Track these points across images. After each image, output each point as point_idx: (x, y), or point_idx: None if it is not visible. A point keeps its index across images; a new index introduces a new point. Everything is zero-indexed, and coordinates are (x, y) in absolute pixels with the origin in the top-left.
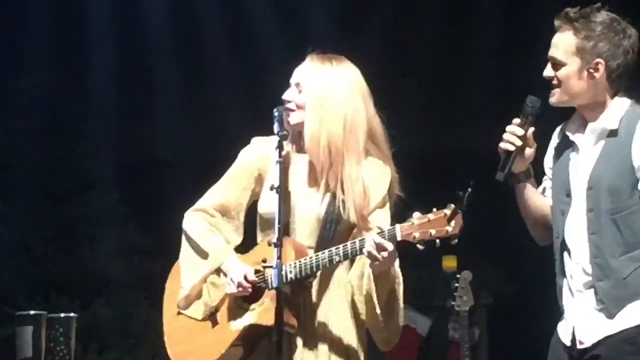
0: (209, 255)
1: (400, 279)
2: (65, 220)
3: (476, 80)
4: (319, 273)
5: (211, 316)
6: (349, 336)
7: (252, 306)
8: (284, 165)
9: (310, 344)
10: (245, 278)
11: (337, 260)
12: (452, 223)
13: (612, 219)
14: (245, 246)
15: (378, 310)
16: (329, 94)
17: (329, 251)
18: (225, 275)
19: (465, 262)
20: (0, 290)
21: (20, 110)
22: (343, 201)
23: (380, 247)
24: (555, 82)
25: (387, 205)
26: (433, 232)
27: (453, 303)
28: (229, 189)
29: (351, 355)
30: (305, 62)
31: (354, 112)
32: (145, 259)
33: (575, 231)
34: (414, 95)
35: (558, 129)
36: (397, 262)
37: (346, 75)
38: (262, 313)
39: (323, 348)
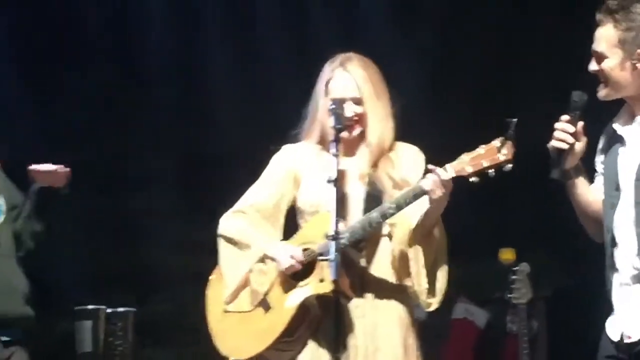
0: (252, 245)
1: (445, 238)
2: (124, 215)
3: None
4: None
5: (262, 303)
6: (396, 297)
7: (305, 282)
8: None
9: (362, 309)
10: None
11: (390, 212)
12: (504, 150)
13: None
14: None
15: (422, 263)
16: (382, 96)
17: (380, 207)
18: (272, 259)
19: (523, 254)
20: (59, 285)
21: (78, 105)
22: (385, 184)
23: (439, 180)
24: (600, 75)
25: None
26: (485, 163)
27: (510, 296)
28: (267, 191)
29: (402, 317)
30: (350, 73)
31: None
32: (204, 253)
33: (624, 224)
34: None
35: (608, 126)
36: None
37: (378, 72)
38: (317, 285)
39: (372, 311)
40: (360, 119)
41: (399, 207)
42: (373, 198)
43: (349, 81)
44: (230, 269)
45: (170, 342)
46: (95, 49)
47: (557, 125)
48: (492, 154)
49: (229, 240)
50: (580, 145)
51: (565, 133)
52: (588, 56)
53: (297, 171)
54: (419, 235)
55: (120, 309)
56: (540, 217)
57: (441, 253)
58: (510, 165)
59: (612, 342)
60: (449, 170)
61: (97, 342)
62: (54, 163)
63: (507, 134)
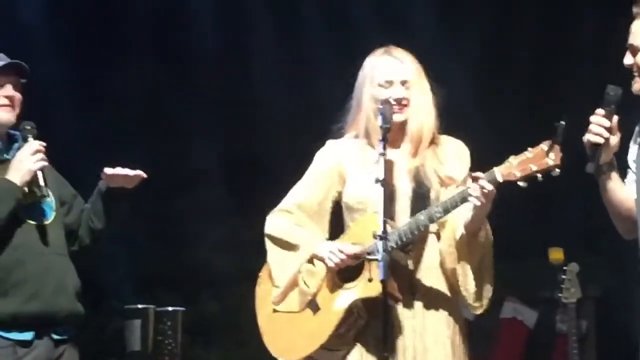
0: (300, 246)
1: (490, 240)
2: (172, 215)
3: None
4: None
5: (310, 304)
6: (444, 298)
7: (353, 284)
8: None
9: (412, 311)
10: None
11: (438, 216)
12: (551, 155)
13: None
14: None
15: (469, 268)
16: (426, 84)
17: (427, 210)
18: (322, 260)
19: (573, 254)
20: (109, 285)
21: (123, 106)
22: (430, 177)
23: (483, 190)
24: (635, 69)
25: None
26: (533, 167)
27: (560, 295)
28: (311, 189)
29: (450, 318)
30: (398, 58)
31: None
32: (251, 253)
33: None
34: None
35: None
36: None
37: (419, 65)
38: (365, 287)
39: (421, 312)
40: (408, 103)
41: (447, 210)
42: (420, 195)
43: (396, 64)
44: (279, 270)
45: (218, 341)
46: (141, 50)
47: (592, 119)
48: (540, 158)
49: (276, 241)
50: (615, 140)
51: (600, 127)
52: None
53: (341, 167)
54: (465, 239)
55: (169, 308)
56: (589, 216)
57: (487, 256)
58: (558, 170)
59: None
60: (497, 175)
61: (146, 340)
62: (100, 165)
63: (555, 137)
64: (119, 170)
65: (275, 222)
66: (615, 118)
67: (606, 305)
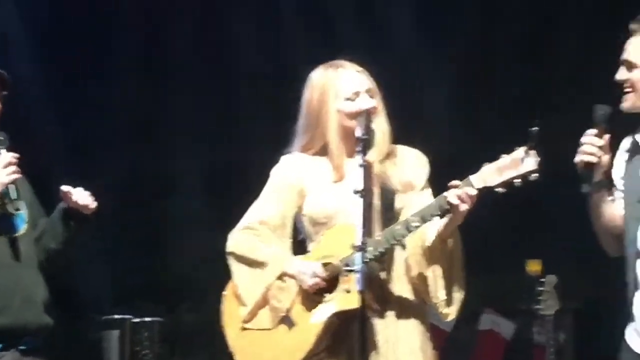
0: (268, 263)
1: (460, 246)
2: (150, 225)
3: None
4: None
5: (284, 320)
6: (414, 307)
7: (329, 297)
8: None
9: (385, 322)
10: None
11: (415, 226)
12: (528, 160)
13: None
14: None
15: (440, 274)
16: (379, 94)
17: (404, 221)
18: (292, 277)
19: (551, 266)
20: (87, 295)
21: (105, 114)
22: (393, 185)
23: (461, 197)
24: (627, 85)
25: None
26: (511, 173)
27: (537, 307)
28: (273, 205)
29: (420, 327)
30: (357, 69)
31: None
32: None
33: None
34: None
35: (625, 139)
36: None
37: None
38: (343, 299)
39: (393, 322)
40: (376, 111)
41: (424, 220)
42: (386, 204)
43: (357, 75)
44: (247, 288)
45: (196, 352)
46: (124, 57)
47: (584, 139)
48: (516, 164)
49: (242, 259)
50: (606, 158)
51: (593, 147)
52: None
53: (300, 182)
54: (436, 246)
55: (147, 319)
56: (567, 228)
57: (457, 261)
58: (536, 175)
59: (633, 352)
60: (475, 183)
61: (123, 351)
62: (80, 173)
63: (530, 143)
64: (73, 193)
65: (239, 240)
66: (607, 137)
67: (584, 317)
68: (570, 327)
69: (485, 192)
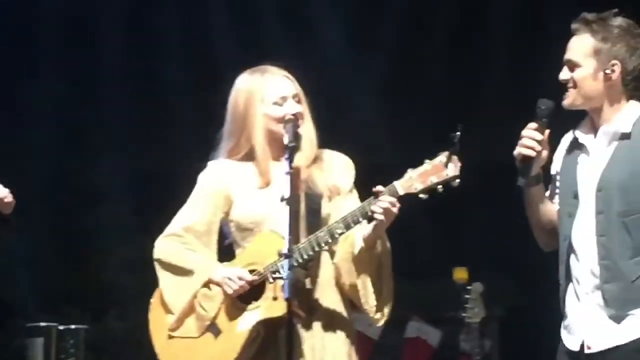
0: (194, 271)
1: (388, 250)
2: (78, 233)
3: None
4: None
5: (210, 328)
6: (340, 315)
7: (255, 304)
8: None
9: (311, 330)
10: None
11: (339, 232)
12: (451, 166)
13: (622, 221)
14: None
15: (369, 281)
16: (306, 100)
17: (327, 227)
18: (218, 285)
19: (477, 273)
20: (12, 302)
21: (32, 123)
22: (319, 190)
23: (385, 209)
24: (570, 84)
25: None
26: (434, 179)
27: (463, 315)
28: (198, 211)
29: (346, 334)
30: (283, 74)
31: None
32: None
33: (584, 233)
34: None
35: (566, 135)
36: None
37: None
38: (270, 307)
39: (320, 330)
40: (302, 117)
41: (348, 227)
42: (312, 210)
43: (284, 80)
44: (173, 296)
45: (124, 359)
46: (50, 63)
47: (524, 132)
48: (439, 169)
49: (168, 266)
50: (544, 154)
51: (532, 140)
52: (544, 71)
53: (227, 188)
54: (364, 252)
55: (72, 326)
56: (493, 236)
57: (386, 266)
58: (458, 181)
59: (569, 352)
60: (399, 189)
61: (48, 359)
62: (6, 179)
63: (452, 148)
64: None
65: (165, 247)
66: (547, 132)
67: (509, 324)
68: (496, 334)
69: (409, 198)
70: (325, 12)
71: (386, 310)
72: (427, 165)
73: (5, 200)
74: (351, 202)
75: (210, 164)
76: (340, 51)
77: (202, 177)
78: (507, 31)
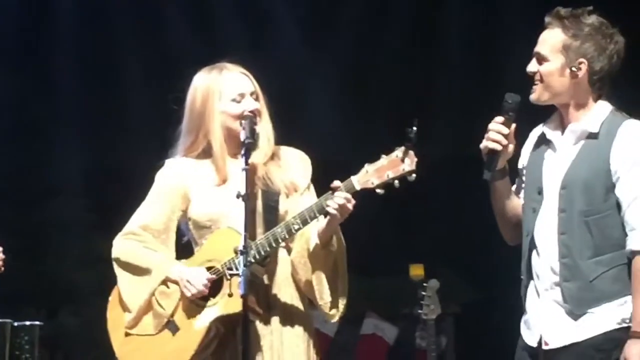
0: (152, 269)
1: (343, 246)
2: (31, 228)
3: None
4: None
5: (168, 325)
6: (298, 312)
7: (212, 301)
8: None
9: (269, 326)
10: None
11: (296, 228)
12: (407, 160)
13: (584, 220)
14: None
15: (324, 277)
16: (263, 97)
17: (285, 223)
18: (175, 283)
19: (433, 270)
20: None
21: None
22: (276, 187)
23: (341, 205)
24: (537, 78)
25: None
26: (390, 173)
27: (420, 311)
28: (156, 210)
29: (304, 330)
30: (241, 71)
31: None
32: (112, 268)
33: (546, 230)
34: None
35: (535, 129)
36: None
37: None
38: (227, 303)
39: (278, 327)
40: (260, 114)
41: (305, 222)
42: (269, 206)
43: (242, 77)
44: (131, 294)
45: (77, 356)
46: (4, 56)
47: (491, 126)
48: (395, 164)
49: (126, 265)
50: (511, 148)
51: (499, 134)
52: (500, 70)
53: (184, 186)
54: (319, 248)
55: (27, 323)
56: (449, 233)
57: (340, 262)
58: (414, 175)
59: (527, 348)
60: (355, 184)
61: (2, 355)
62: None
63: (407, 143)
64: None
65: (123, 246)
66: (513, 126)
67: (465, 321)
68: (452, 331)
69: (367, 195)
70: (282, 9)
71: (341, 306)
72: (384, 160)
73: None
74: (308, 198)
75: (167, 161)
76: (297, 48)
77: (159, 175)
78: (463, 26)
